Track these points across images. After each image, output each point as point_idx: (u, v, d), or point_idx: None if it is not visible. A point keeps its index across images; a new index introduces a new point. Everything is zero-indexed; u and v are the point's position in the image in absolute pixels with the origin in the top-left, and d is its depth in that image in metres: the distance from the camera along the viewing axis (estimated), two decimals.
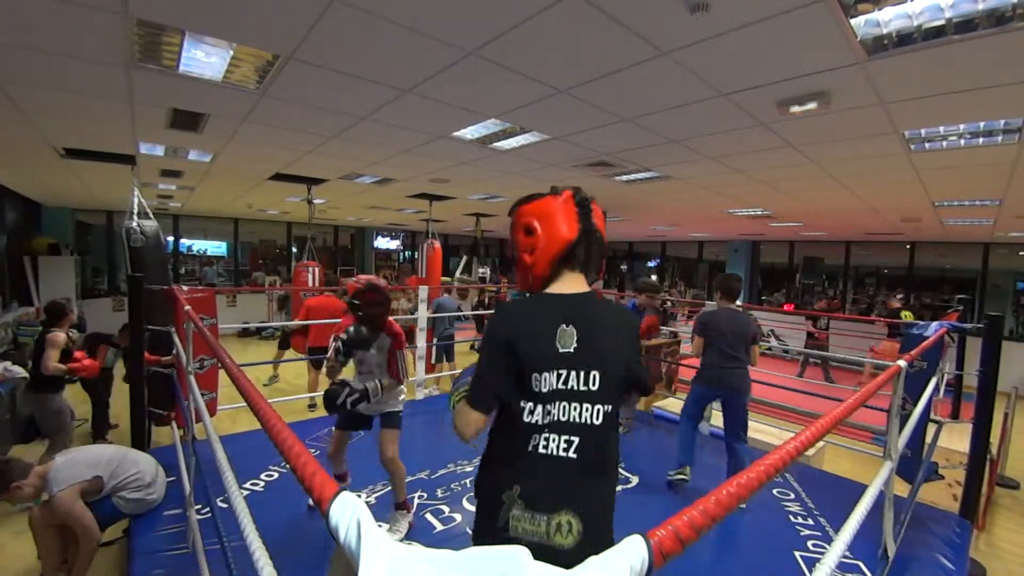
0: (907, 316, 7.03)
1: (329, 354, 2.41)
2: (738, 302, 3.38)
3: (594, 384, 1.16)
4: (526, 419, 1.14)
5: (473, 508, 1.32)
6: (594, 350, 1.17)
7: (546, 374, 1.13)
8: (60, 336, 3.55)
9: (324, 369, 2.48)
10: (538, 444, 1.13)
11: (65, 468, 2.42)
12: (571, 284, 1.23)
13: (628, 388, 1.26)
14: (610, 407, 1.18)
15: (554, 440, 1.13)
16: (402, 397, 2.66)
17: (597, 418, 1.15)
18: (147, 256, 4.00)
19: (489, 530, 1.17)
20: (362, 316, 2.37)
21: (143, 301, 3.30)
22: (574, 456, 1.13)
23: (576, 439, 1.14)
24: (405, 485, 2.66)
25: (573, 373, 1.14)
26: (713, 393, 3.20)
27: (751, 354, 3.13)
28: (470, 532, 1.32)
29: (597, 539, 1.11)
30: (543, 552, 0.91)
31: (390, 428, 2.57)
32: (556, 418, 1.13)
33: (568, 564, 0.63)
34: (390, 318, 2.52)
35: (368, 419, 2.62)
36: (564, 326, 1.16)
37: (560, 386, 1.14)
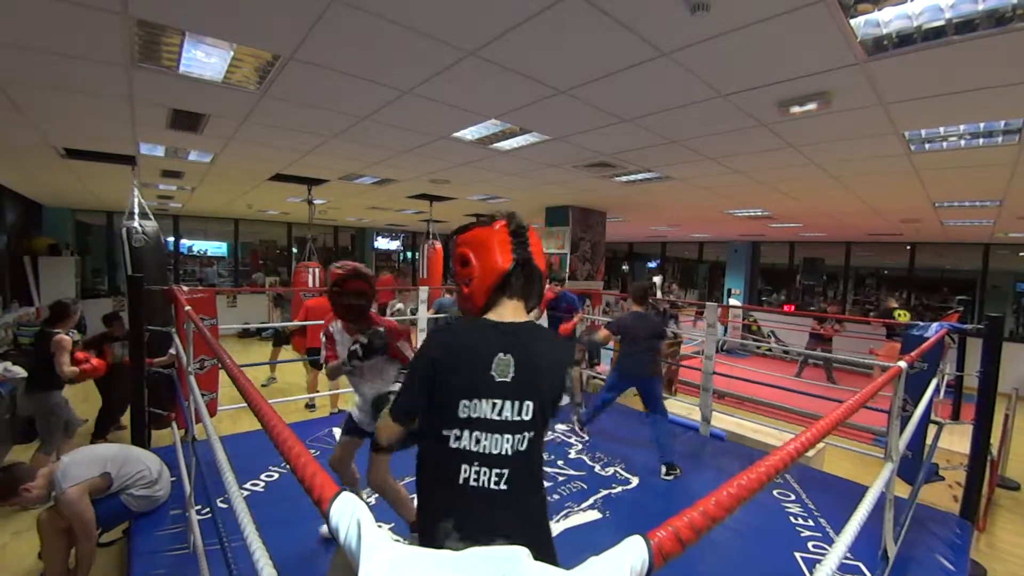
0: (902, 316, 7.04)
1: (341, 359, 2.20)
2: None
3: (527, 414, 1.16)
4: (453, 445, 1.13)
5: None
6: (531, 380, 1.16)
7: (477, 401, 1.13)
8: (66, 339, 3.57)
9: (326, 371, 2.34)
10: (469, 477, 1.12)
11: (72, 466, 2.43)
12: (509, 312, 1.23)
13: (554, 415, 1.26)
14: (535, 433, 1.19)
15: (485, 473, 1.13)
16: None
17: (523, 444, 1.16)
18: (147, 256, 4.00)
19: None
20: (344, 307, 2.15)
21: (143, 301, 3.30)
22: (504, 488, 1.13)
23: (507, 471, 1.14)
24: (410, 503, 2.28)
25: (508, 403, 1.14)
26: (625, 381, 3.84)
27: (659, 349, 3.79)
28: None
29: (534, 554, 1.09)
30: None
31: (376, 451, 2.22)
32: (488, 450, 1.13)
33: None
34: (373, 312, 2.27)
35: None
36: (501, 355, 1.15)
37: (494, 416, 1.13)
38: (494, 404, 1.13)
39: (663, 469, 3.48)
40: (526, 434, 1.16)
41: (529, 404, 1.16)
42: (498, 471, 1.13)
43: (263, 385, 6.29)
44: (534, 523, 1.21)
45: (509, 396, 1.14)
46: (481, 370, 1.14)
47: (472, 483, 1.12)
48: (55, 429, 3.61)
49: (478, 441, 1.13)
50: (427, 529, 1.18)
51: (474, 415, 1.13)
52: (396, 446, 1.36)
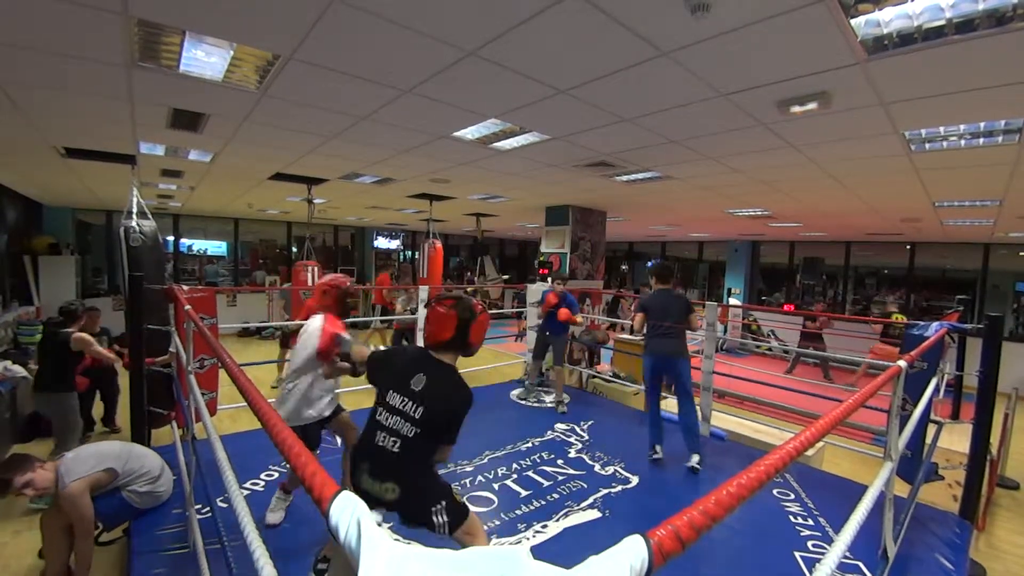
0: (899, 318, 7.05)
1: (339, 363, 2.33)
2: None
3: (417, 415, 1.78)
4: (377, 416, 1.83)
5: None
6: (428, 397, 1.79)
7: (395, 394, 1.82)
8: (87, 335, 3.65)
9: (324, 370, 2.44)
10: (380, 439, 1.79)
11: (76, 462, 2.44)
12: (442, 355, 1.90)
13: (437, 430, 1.80)
14: (420, 431, 1.76)
15: (386, 438, 1.79)
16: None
17: (411, 434, 1.77)
18: (145, 256, 4.00)
19: (353, 479, 1.84)
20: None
21: (143, 301, 3.30)
22: (397, 451, 1.77)
23: (399, 441, 1.77)
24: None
25: (410, 403, 1.79)
26: (657, 362, 3.70)
27: (689, 322, 3.65)
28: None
29: (409, 499, 1.76)
30: (378, 502, 1.75)
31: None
32: (391, 425, 1.79)
33: (393, 510, 1.74)
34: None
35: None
36: (422, 375, 1.83)
37: (399, 406, 1.80)
38: (402, 400, 1.81)
39: (695, 459, 3.47)
40: (415, 428, 1.77)
41: (422, 409, 1.78)
42: (393, 439, 1.78)
43: (273, 387, 6.25)
44: (412, 481, 1.78)
45: (413, 399, 1.80)
46: (404, 377, 1.84)
47: (380, 443, 1.79)
48: (73, 429, 3.64)
49: (388, 419, 1.81)
50: (354, 466, 1.84)
51: (390, 401, 1.82)
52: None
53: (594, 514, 2.86)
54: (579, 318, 4.82)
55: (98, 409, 4.79)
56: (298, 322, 5.35)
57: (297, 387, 2.51)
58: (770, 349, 9.36)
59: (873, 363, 5.73)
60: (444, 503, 1.81)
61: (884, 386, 1.64)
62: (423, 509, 1.79)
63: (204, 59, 2.49)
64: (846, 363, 8.00)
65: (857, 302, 11.66)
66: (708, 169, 4.51)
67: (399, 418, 1.78)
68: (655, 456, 3.63)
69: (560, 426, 4.29)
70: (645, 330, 3.76)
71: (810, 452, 3.91)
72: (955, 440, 3.76)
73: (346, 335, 2.34)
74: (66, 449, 3.57)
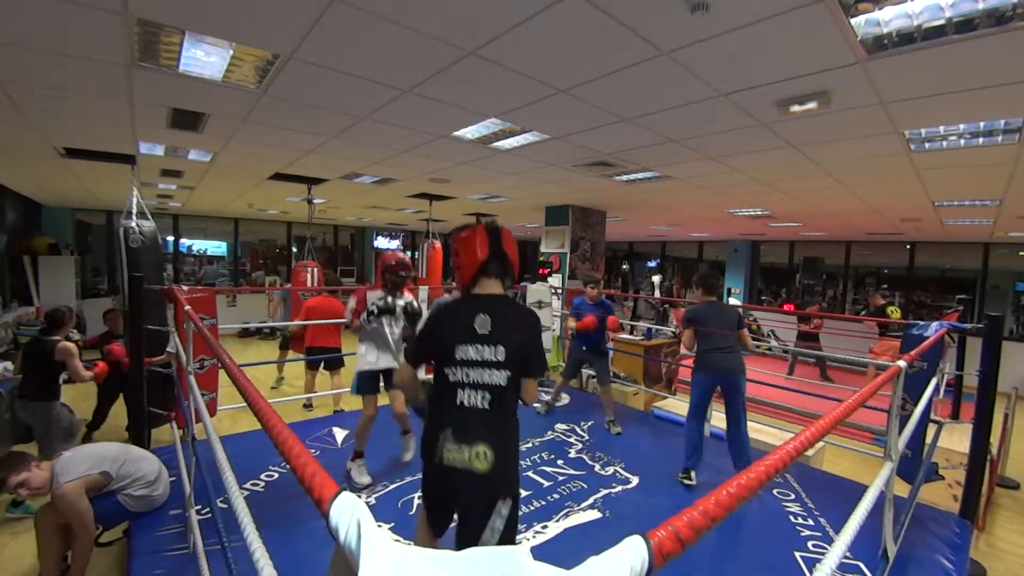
0: (894, 312, 7.03)
1: (362, 317, 3.01)
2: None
3: (500, 356, 1.65)
4: (451, 378, 1.66)
5: None
6: (501, 332, 1.66)
7: (465, 346, 1.65)
8: (72, 345, 3.53)
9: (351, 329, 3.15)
10: (463, 399, 1.63)
11: (72, 462, 2.42)
12: (489, 288, 1.77)
13: (524, 364, 1.70)
14: (510, 373, 1.66)
15: (471, 395, 1.63)
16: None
17: (503, 381, 1.65)
18: (143, 256, 4.00)
19: (428, 462, 1.68)
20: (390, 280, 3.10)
21: (143, 301, 3.30)
22: (487, 407, 1.63)
23: (488, 395, 1.63)
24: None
25: (487, 347, 1.65)
26: (718, 380, 3.31)
27: (742, 340, 3.32)
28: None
29: (504, 464, 1.62)
30: (467, 474, 1.57)
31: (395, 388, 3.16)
32: (474, 380, 1.64)
33: (484, 481, 1.50)
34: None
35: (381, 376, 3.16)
36: (482, 315, 1.68)
37: (475, 356, 1.65)
38: (476, 348, 1.65)
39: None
40: (504, 372, 1.65)
41: (501, 348, 1.65)
42: (482, 394, 1.64)
43: (273, 387, 6.25)
44: (506, 441, 1.67)
45: (487, 343, 1.65)
46: (467, 326, 1.67)
47: (465, 402, 1.64)
48: (54, 438, 3.53)
49: (468, 375, 1.65)
50: (430, 438, 1.66)
51: (463, 357, 1.65)
52: (411, 404, 2.25)
53: (594, 514, 2.86)
54: (614, 322, 4.32)
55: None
56: (298, 322, 5.37)
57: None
58: (770, 349, 9.36)
59: (880, 364, 5.72)
60: (511, 503, 1.61)
61: (884, 386, 1.64)
62: (508, 481, 1.63)
63: (204, 59, 2.49)
64: (844, 363, 7.99)
65: (857, 302, 11.67)
66: (708, 169, 4.51)
67: (481, 369, 1.63)
68: (688, 483, 3.23)
69: (560, 426, 4.29)
70: (696, 347, 3.40)
71: (810, 452, 3.90)
72: (955, 440, 3.76)
73: (378, 300, 3.03)
74: (47, 458, 3.54)
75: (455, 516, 1.71)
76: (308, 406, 5.50)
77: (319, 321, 4.98)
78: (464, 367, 1.64)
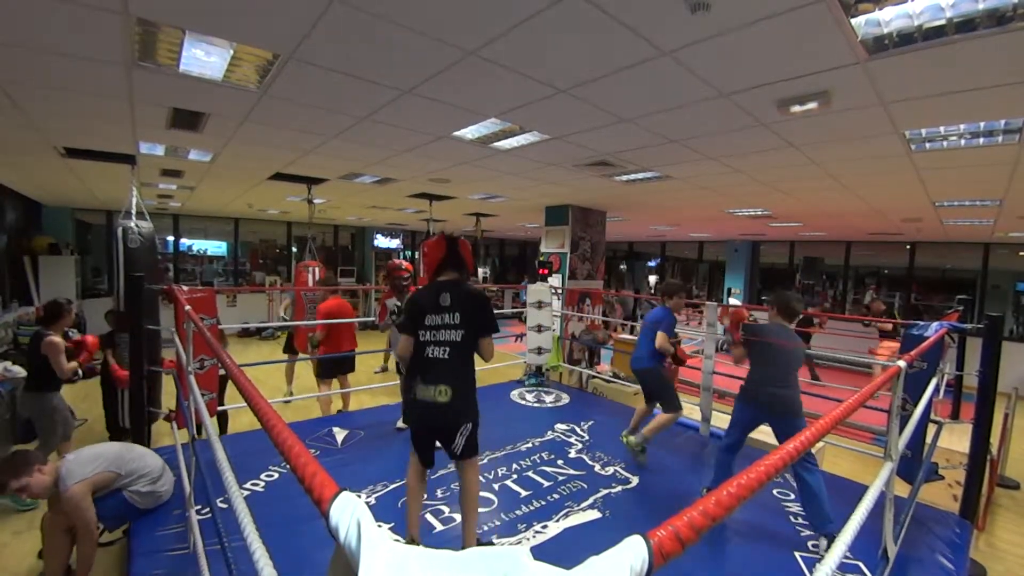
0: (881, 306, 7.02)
1: (387, 317, 3.82)
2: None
3: (456, 320, 2.28)
4: (422, 339, 2.29)
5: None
6: (457, 303, 2.30)
7: (432, 315, 2.29)
8: (58, 341, 3.51)
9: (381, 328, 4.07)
10: (429, 352, 2.27)
11: (76, 464, 2.43)
12: (448, 277, 2.41)
13: (475, 326, 2.31)
14: (464, 332, 2.28)
15: (435, 349, 2.27)
16: None
17: (458, 338, 2.27)
18: (141, 257, 4.00)
19: (406, 398, 2.41)
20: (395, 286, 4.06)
21: (143, 301, 3.30)
22: (446, 358, 2.26)
23: (448, 348, 2.26)
24: None
25: (447, 315, 2.28)
26: (764, 417, 2.90)
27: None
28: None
29: (461, 398, 2.24)
30: (433, 405, 2.21)
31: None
32: (437, 339, 2.27)
33: (446, 411, 2.23)
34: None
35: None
36: (444, 292, 2.32)
37: (439, 322, 2.28)
38: (440, 316, 2.28)
39: (824, 544, 2.57)
40: (460, 332, 2.27)
41: (457, 314, 2.28)
42: (443, 348, 2.26)
43: (286, 402, 5.74)
44: (464, 380, 2.29)
45: (447, 311, 2.29)
46: (433, 301, 2.31)
47: (430, 355, 2.27)
48: (53, 429, 3.59)
49: (434, 335, 2.28)
50: (408, 383, 2.34)
51: (429, 323, 2.28)
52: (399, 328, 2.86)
53: (594, 514, 2.86)
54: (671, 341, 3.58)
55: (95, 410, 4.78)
56: (297, 323, 5.35)
57: None
58: None
59: (885, 364, 5.72)
60: (471, 426, 2.27)
61: (884, 386, 1.64)
62: (466, 411, 2.25)
63: (204, 58, 2.49)
64: (842, 363, 7.98)
65: (857, 302, 11.68)
66: (708, 169, 4.51)
67: (443, 330, 2.26)
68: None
69: (560, 426, 4.29)
70: (748, 366, 3.00)
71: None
72: (955, 440, 3.76)
73: (394, 305, 3.82)
74: (48, 449, 3.57)
75: (436, 444, 2.35)
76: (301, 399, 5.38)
77: (339, 320, 4.82)
78: (431, 330, 2.27)
